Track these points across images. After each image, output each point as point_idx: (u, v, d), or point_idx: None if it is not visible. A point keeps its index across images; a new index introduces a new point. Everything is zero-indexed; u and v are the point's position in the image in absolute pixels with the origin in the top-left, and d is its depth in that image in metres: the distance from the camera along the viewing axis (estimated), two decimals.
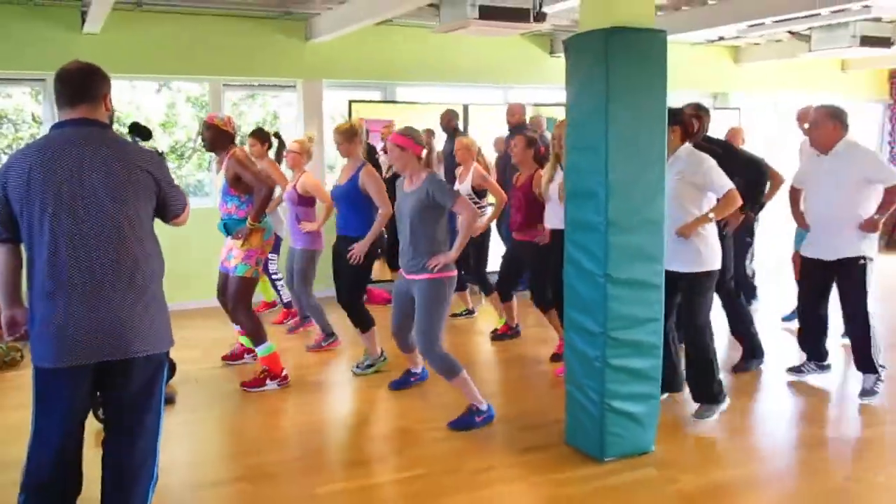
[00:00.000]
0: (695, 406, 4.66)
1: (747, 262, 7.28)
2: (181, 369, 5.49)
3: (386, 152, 5.23)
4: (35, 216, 2.67)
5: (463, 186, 6.58)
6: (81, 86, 2.83)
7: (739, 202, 4.48)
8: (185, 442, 4.52)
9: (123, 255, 2.74)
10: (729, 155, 5.63)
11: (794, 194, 5.32)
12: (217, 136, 5.23)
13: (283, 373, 5.43)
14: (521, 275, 6.29)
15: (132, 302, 2.76)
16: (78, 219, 2.68)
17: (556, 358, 5.92)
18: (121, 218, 2.74)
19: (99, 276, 2.69)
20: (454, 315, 7.22)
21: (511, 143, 6.12)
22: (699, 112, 5.26)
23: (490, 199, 6.90)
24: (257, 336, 5.36)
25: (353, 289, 5.49)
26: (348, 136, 5.36)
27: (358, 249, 5.26)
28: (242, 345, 5.90)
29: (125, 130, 3.60)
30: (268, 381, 5.36)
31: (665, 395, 4.83)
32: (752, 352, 5.63)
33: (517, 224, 5.95)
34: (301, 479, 3.98)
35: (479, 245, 6.91)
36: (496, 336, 6.67)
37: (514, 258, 6.19)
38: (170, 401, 5.05)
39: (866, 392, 4.96)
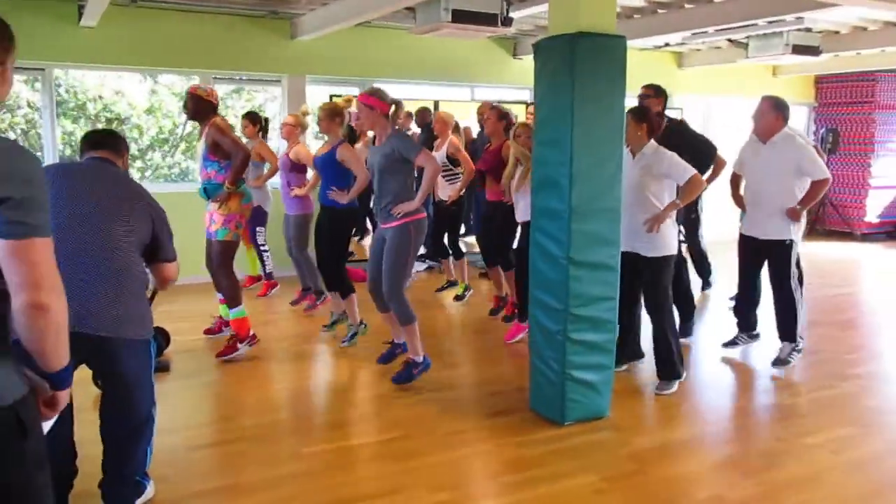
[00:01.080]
0: (651, 375, 4.73)
1: (698, 239, 7.33)
2: (175, 340, 5.42)
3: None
4: None
5: (438, 154, 6.55)
6: (106, 136, 3.14)
7: (703, 186, 4.55)
8: (180, 407, 4.47)
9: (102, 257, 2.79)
10: (682, 132, 5.71)
11: (735, 179, 5.38)
12: (199, 106, 5.12)
13: (251, 333, 5.34)
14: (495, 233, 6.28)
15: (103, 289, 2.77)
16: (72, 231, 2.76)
17: (503, 317, 6.23)
18: (109, 236, 2.81)
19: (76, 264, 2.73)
20: (438, 290, 7.21)
21: (484, 116, 6.18)
22: (658, 94, 5.35)
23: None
24: (234, 298, 5.27)
25: (332, 254, 5.45)
26: (330, 114, 5.31)
27: (336, 195, 5.21)
28: (221, 318, 5.75)
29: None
30: (238, 345, 5.28)
31: (625, 367, 4.93)
32: (687, 315, 5.70)
33: (488, 187, 6.07)
34: (287, 440, 3.97)
35: (453, 214, 6.91)
36: (493, 311, 6.51)
37: (488, 220, 6.25)
38: (165, 368, 5.01)
39: (780, 361, 5.05)
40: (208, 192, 5.15)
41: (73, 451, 3.04)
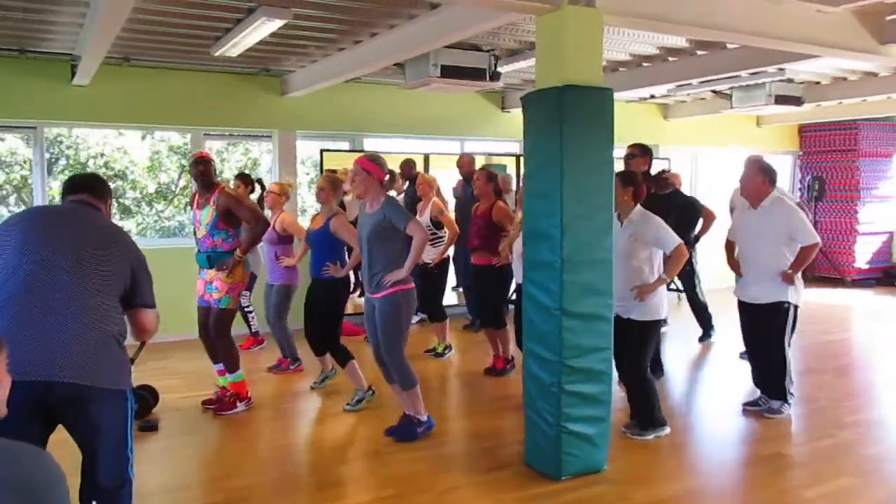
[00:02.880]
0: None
1: (696, 290, 7.32)
2: (163, 398, 5.33)
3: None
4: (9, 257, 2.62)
5: (423, 218, 6.56)
6: (87, 180, 2.99)
7: (686, 255, 4.55)
8: (166, 468, 4.36)
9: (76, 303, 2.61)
10: (669, 197, 5.77)
11: (729, 246, 5.36)
12: (210, 171, 5.15)
13: (248, 395, 5.36)
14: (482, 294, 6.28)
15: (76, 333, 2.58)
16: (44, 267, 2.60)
17: (489, 371, 6.22)
18: (85, 281, 2.62)
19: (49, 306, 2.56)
20: (427, 351, 7.04)
21: (474, 177, 6.20)
22: (645, 153, 5.40)
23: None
24: (233, 363, 5.24)
25: (328, 328, 5.34)
26: (333, 184, 5.28)
27: (333, 270, 5.21)
28: (223, 388, 5.45)
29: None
30: (238, 404, 5.25)
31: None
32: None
33: (476, 249, 6.07)
34: (279, 500, 3.87)
35: (437, 277, 6.87)
36: (500, 372, 6.29)
37: (476, 282, 6.23)
38: (153, 428, 4.91)
39: (772, 410, 5.04)
40: (211, 259, 5.09)
41: None
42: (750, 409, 5.21)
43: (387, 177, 4.52)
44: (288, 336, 6.24)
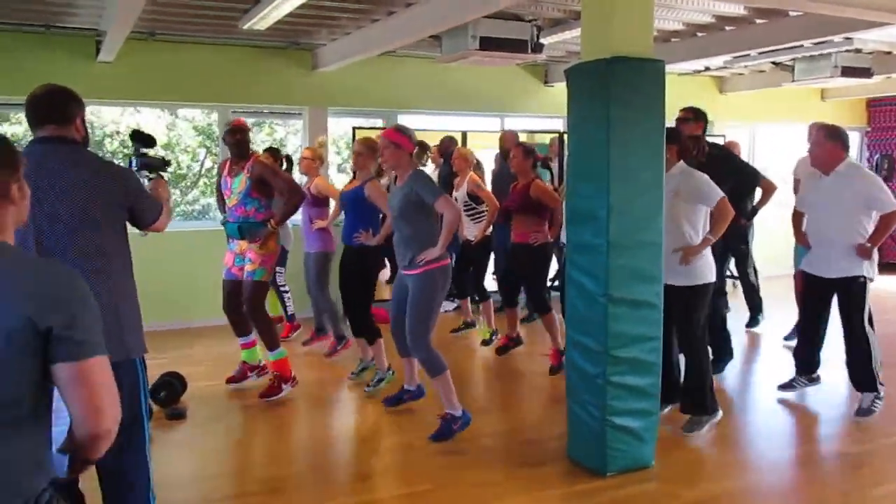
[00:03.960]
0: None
1: (749, 270, 7.23)
2: (191, 385, 5.42)
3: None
4: None
5: (459, 193, 6.56)
6: (49, 106, 2.77)
7: (732, 212, 4.43)
8: (195, 456, 4.45)
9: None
10: (725, 158, 5.64)
11: (797, 217, 5.24)
12: (245, 139, 5.29)
13: (292, 374, 5.40)
14: (521, 277, 6.23)
15: None
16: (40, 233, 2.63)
17: (553, 370, 5.96)
18: (76, 241, 2.66)
19: None
20: (454, 331, 7.13)
21: (511, 154, 6.15)
22: (699, 118, 5.26)
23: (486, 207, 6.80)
24: (273, 339, 5.32)
25: (360, 299, 5.41)
26: (370, 149, 5.25)
27: (364, 238, 5.25)
28: (245, 362, 5.67)
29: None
30: (283, 386, 5.31)
31: (667, 409, 4.79)
32: (719, 351, 5.55)
33: (515, 228, 6.03)
34: (308, 493, 3.92)
35: (479, 256, 6.85)
36: (501, 350, 6.48)
37: (513, 261, 6.20)
38: (181, 416, 5.00)
39: (864, 411, 4.82)
40: (243, 230, 5.18)
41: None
42: (785, 390, 5.23)
43: (416, 149, 4.52)
44: (332, 310, 6.30)
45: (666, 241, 4.14)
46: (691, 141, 4.76)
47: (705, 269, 4.48)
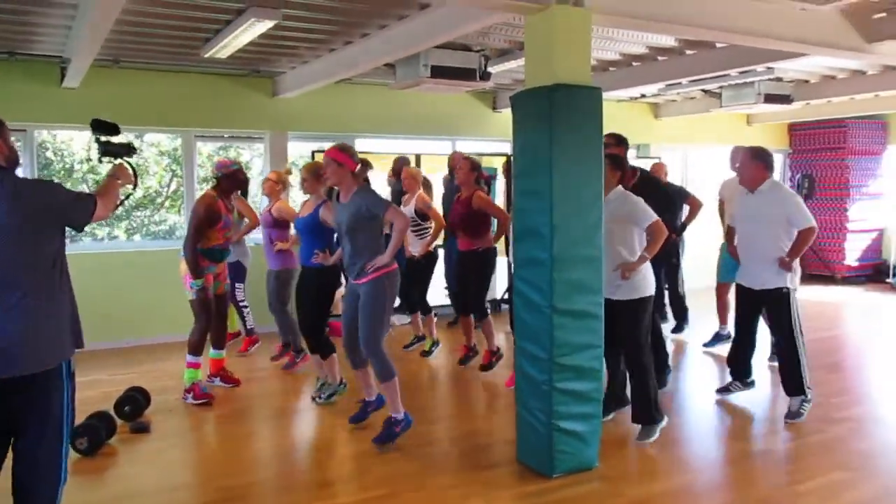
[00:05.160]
0: (635, 426, 4.65)
1: (678, 282, 7.41)
2: (155, 400, 5.32)
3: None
4: None
5: (407, 209, 6.57)
6: None
7: (665, 232, 4.52)
8: (158, 469, 4.35)
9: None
10: (646, 181, 5.76)
11: (730, 232, 5.40)
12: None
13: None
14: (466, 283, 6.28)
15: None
16: None
17: (480, 366, 6.23)
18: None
19: None
20: (406, 346, 7.11)
21: (458, 166, 6.22)
22: (620, 143, 5.33)
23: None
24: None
25: (315, 316, 5.34)
26: (315, 174, 5.26)
27: (321, 258, 5.07)
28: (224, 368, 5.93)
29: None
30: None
31: (612, 416, 4.86)
32: (660, 364, 5.62)
33: (459, 237, 6.15)
34: (273, 500, 3.88)
35: (423, 269, 6.84)
36: (462, 360, 6.51)
37: (461, 269, 6.24)
38: (144, 430, 4.90)
39: (793, 414, 4.92)
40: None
41: None
42: (721, 395, 5.42)
43: (358, 166, 4.51)
44: (292, 324, 6.25)
45: (606, 260, 4.21)
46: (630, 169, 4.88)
47: (645, 284, 4.55)
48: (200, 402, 5.46)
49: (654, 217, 4.47)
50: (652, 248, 4.50)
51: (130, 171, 3.24)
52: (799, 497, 3.80)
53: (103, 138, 3.30)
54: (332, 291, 5.41)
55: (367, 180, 4.75)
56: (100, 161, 3.30)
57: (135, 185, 3.30)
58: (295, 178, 6.57)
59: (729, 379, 5.51)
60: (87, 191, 2.94)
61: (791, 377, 4.95)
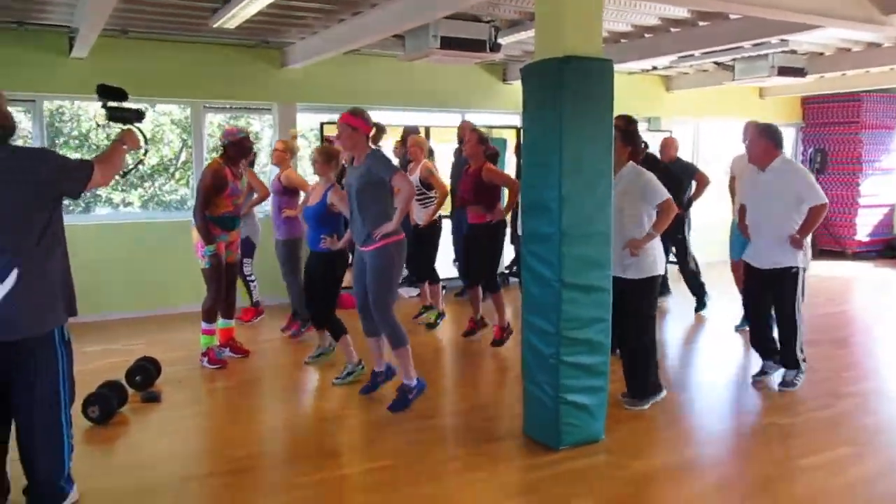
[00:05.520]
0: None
1: (688, 258, 7.36)
2: (165, 370, 5.36)
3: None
4: None
5: (412, 178, 6.55)
6: None
7: (675, 211, 4.50)
8: (169, 438, 4.40)
9: None
10: (652, 162, 5.73)
11: (742, 210, 5.33)
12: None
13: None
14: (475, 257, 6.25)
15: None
16: None
17: (492, 341, 6.17)
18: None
19: None
20: (416, 317, 7.12)
21: (466, 138, 6.19)
22: (629, 123, 5.24)
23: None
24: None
25: (324, 300, 5.32)
26: (327, 157, 5.21)
27: (329, 243, 5.10)
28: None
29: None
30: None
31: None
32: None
33: (469, 210, 6.12)
34: (281, 470, 3.91)
35: (428, 238, 6.82)
36: (467, 333, 6.53)
37: (470, 242, 6.23)
38: (155, 399, 4.95)
39: (786, 384, 5.01)
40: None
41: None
42: (759, 378, 5.22)
43: (373, 130, 4.48)
44: (301, 293, 6.24)
45: (615, 236, 4.18)
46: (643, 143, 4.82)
47: (655, 263, 4.54)
48: (215, 366, 5.60)
49: (666, 195, 4.45)
50: (660, 225, 4.48)
51: (140, 137, 3.22)
52: (804, 472, 3.81)
53: (111, 104, 3.28)
54: (341, 276, 5.35)
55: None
56: (107, 126, 3.30)
57: (146, 151, 3.29)
58: (302, 145, 6.56)
59: (761, 362, 5.30)
60: (87, 158, 2.92)
61: (786, 352, 5.00)
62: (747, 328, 5.72)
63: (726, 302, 7.28)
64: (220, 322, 5.84)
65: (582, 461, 3.90)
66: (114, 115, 3.29)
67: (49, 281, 2.77)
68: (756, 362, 5.39)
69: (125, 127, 3.23)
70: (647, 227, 4.50)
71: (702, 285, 7.50)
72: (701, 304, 7.49)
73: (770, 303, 5.14)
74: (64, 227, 2.88)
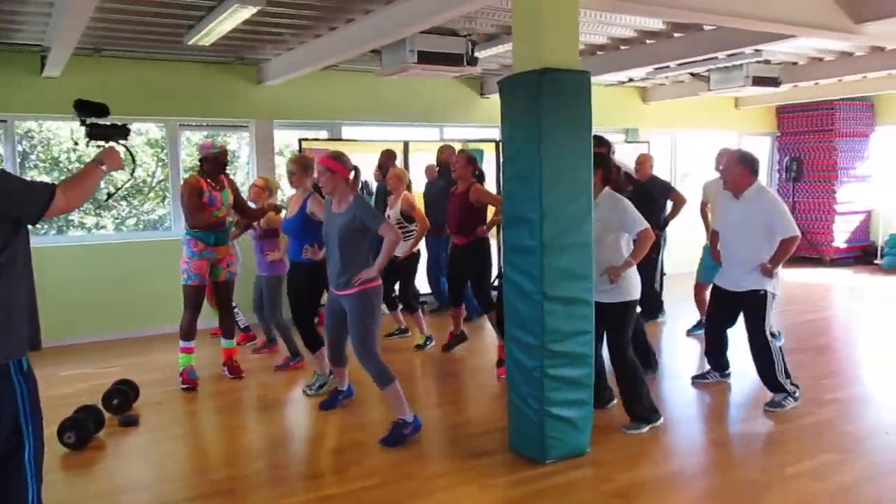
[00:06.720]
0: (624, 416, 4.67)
1: (655, 276, 7.43)
2: (144, 393, 5.29)
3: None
4: None
5: (393, 212, 6.56)
6: None
7: (652, 238, 4.51)
8: (149, 462, 4.34)
9: None
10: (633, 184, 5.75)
11: (714, 236, 5.36)
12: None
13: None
14: (466, 279, 6.29)
15: None
16: None
17: (500, 363, 5.97)
18: None
19: None
20: (388, 335, 7.08)
21: (454, 160, 6.24)
22: (601, 144, 5.25)
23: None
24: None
25: (305, 310, 5.34)
26: (304, 166, 5.20)
27: (311, 253, 4.97)
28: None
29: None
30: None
31: (612, 404, 4.89)
32: (646, 361, 5.60)
33: (455, 229, 6.14)
34: (264, 492, 3.86)
35: (406, 268, 6.83)
36: (447, 346, 6.57)
37: (456, 262, 6.25)
38: (133, 423, 4.88)
39: (774, 404, 4.92)
40: (227, 234, 5.92)
41: None
42: (699, 381, 5.49)
43: (352, 174, 4.47)
44: (284, 328, 6.18)
45: (595, 263, 4.18)
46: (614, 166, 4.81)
47: (632, 287, 4.55)
48: (185, 387, 5.59)
49: (644, 224, 4.47)
50: (638, 253, 4.49)
51: (123, 155, 2.93)
52: (788, 479, 3.83)
53: (89, 120, 3.06)
54: (323, 285, 5.34)
55: (365, 186, 4.68)
56: (87, 146, 3.06)
57: (132, 170, 3.08)
58: (278, 163, 6.51)
59: (707, 367, 5.59)
60: (49, 180, 2.64)
61: (769, 378, 4.96)
62: (699, 332, 5.78)
63: (687, 311, 7.40)
64: (222, 342, 5.93)
65: (568, 475, 3.89)
66: (94, 133, 3.08)
67: (5, 310, 2.47)
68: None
69: (107, 145, 2.98)
70: (625, 252, 4.52)
71: (660, 303, 7.73)
72: (653, 316, 7.57)
73: (727, 326, 5.24)
74: (27, 253, 2.59)
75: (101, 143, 3.03)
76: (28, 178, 2.64)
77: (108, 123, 3.09)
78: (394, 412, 4.53)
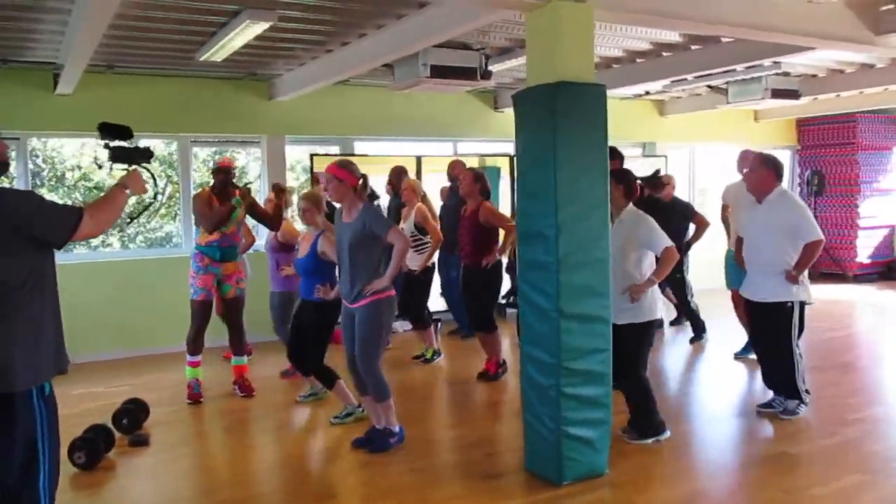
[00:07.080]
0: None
1: (688, 296, 7.39)
2: (154, 412, 5.30)
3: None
4: None
5: (406, 225, 6.55)
6: None
7: (676, 257, 4.50)
8: (159, 482, 4.34)
9: None
10: (653, 203, 5.74)
11: (738, 242, 5.34)
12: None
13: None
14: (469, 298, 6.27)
15: None
16: None
17: (482, 376, 6.20)
18: None
19: None
20: (415, 357, 6.98)
21: (461, 177, 6.19)
22: (612, 156, 5.20)
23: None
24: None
25: (313, 351, 5.11)
26: (316, 202, 5.11)
27: (323, 293, 4.87)
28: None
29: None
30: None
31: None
32: (697, 325, 5.56)
33: (466, 252, 6.10)
34: None
35: (422, 283, 6.82)
36: (489, 376, 6.25)
37: (468, 286, 6.21)
38: (143, 442, 4.88)
39: (788, 412, 4.97)
40: (234, 252, 5.98)
41: None
42: (764, 410, 5.13)
43: (360, 182, 4.45)
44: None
45: (614, 282, 4.16)
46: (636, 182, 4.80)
47: (653, 307, 4.53)
48: (188, 401, 5.71)
49: (669, 243, 4.46)
50: (661, 272, 4.49)
51: (147, 179, 2.96)
52: (815, 501, 3.77)
53: (113, 143, 3.08)
54: (332, 326, 5.13)
55: (372, 194, 4.66)
56: (111, 169, 3.07)
57: (156, 195, 3.10)
58: (289, 178, 6.53)
59: (770, 395, 5.24)
60: (55, 197, 2.69)
61: (786, 384, 4.95)
62: (749, 356, 5.66)
63: (724, 330, 7.27)
64: (233, 359, 6.00)
65: (586, 496, 3.85)
66: (117, 156, 3.07)
67: (30, 334, 2.50)
68: (763, 391, 5.36)
69: (131, 168, 2.99)
70: (647, 272, 4.51)
71: (702, 322, 7.52)
72: (698, 337, 7.50)
73: (769, 336, 5.13)
74: (54, 276, 2.61)
75: (125, 166, 3.03)
76: (57, 201, 2.65)
77: (132, 146, 3.11)
78: (376, 419, 4.66)
